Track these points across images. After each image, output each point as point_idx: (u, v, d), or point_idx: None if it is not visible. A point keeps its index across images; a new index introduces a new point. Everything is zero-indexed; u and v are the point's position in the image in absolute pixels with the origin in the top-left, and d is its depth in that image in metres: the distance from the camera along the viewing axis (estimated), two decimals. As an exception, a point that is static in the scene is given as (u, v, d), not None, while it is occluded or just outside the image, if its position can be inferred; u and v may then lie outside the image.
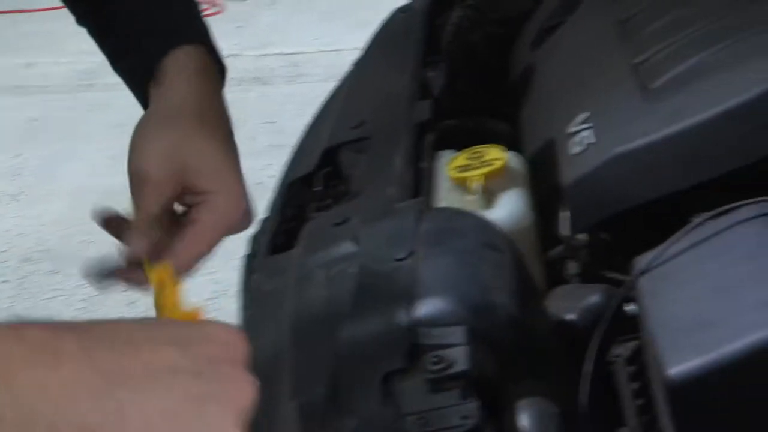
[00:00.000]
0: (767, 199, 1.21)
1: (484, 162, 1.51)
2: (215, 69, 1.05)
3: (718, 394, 1.09)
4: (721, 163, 1.30)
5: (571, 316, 1.36)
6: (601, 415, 1.27)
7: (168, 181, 0.95)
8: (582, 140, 1.45)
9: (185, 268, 0.94)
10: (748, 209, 1.24)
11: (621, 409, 1.26)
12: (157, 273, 0.89)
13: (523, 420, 1.11)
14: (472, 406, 1.04)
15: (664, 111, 1.34)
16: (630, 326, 1.28)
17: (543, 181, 1.54)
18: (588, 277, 1.48)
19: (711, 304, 1.16)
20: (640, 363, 1.27)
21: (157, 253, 0.93)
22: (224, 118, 1.04)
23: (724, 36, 1.40)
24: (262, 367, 0.62)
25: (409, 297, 1.14)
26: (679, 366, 1.09)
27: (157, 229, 0.94)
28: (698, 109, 1.30)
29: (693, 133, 1.29)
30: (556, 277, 1.49)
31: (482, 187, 1.48)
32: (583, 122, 1.47)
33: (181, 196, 0.98)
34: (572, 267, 1.49)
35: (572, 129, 1.49)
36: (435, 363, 1.06)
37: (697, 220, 1.30)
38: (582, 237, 1.45)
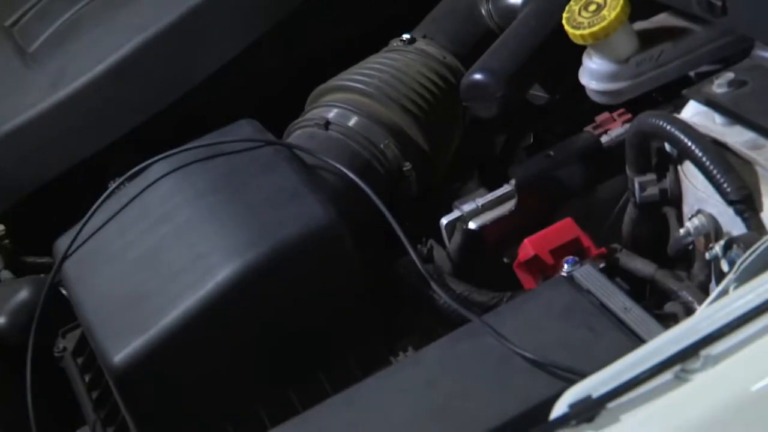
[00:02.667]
0: (171, 153, 1.15)
1: None
2: None
3: (171, 368, 1.02)
4: (118, 124, 1.22)
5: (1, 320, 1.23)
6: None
7: None
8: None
9: None
10: (159, 167, 1.18)
11: (80, 406, 1.16)
12: None
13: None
14: None
15: (46, 77, 1.22)
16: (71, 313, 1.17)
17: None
18: (15, 268, 1.34)
19: (142, 275, 1.09)
20: (89, 352, 1.17)
21: None
22: None
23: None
24: None
25: None
26: (121, 352, 1.01)
27: None
28: (78, 72, 1.20)
29: (79, 98, 1.19)
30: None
31: None
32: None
33: None
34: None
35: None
36: None
37: (112, 185, 1.21)
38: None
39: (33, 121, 1.22)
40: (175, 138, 1.21)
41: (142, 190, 1.16)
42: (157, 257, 1.09)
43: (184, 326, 1.00)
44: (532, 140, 1.46)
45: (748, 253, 0.75)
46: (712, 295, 0.76)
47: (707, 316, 0.67)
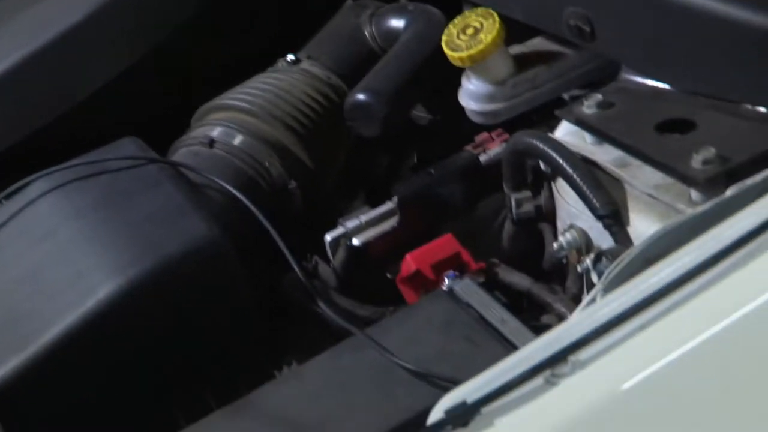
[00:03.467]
0: (52, 171, 1.14)
1: None
2: None
3: (51, 388, 1.01)
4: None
5: None
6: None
7: None
8: None
9: None
10: (39, 184, 1.16)
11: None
12: None
13: None
14: None
15: None
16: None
17: None
18: None
19: (21, 294, 1.07)
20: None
21: None
22: None
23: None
24: None
25: None
26: (-4, 371, 0.99)
27: None
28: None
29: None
30: None
31: None
32: None
33: None
34: None
35: None
36: None
37: (-11, 203, 1.19)
38: None
39: None
40: (56, 156, 1.20)
41: (21, 208, 1.14)
42: (36, 276, 1.07)
43: (65, 344, 0.99)
44: (416, 160, 1.49)
45: (614, 264, 0.79)
46: (582, 304, 0.79)
47: (575, 323, 0.70)
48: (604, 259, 0.91)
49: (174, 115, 1.33)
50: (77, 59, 1.28)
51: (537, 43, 1.20)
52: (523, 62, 1.17)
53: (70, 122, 1.28)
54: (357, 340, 0.95)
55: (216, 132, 1.27)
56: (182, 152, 1.26)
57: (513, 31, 1.14)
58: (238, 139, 1.26)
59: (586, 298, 0.80)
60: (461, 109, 1.20)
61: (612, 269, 0.79)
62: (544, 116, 1.20)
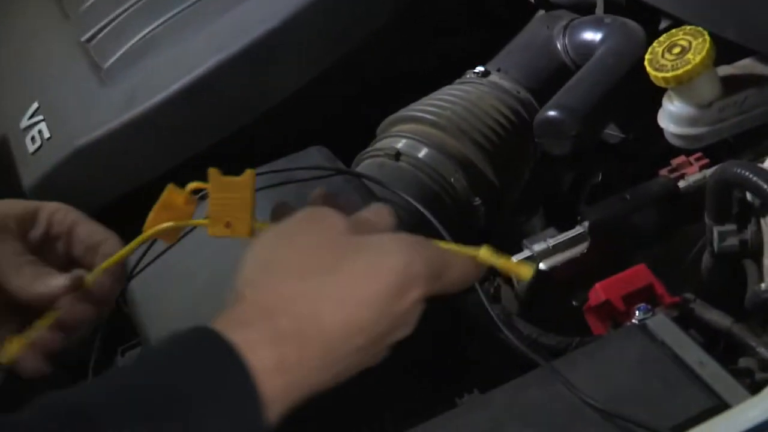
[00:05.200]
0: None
1: None
2: None
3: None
4: (190, 144, 1.21)
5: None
6: None
7: None
8: (36, 136, 1.28)
9: None
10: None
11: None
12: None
13: None
14: None
15: (120, 94, 1.22)
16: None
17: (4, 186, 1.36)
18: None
19: (206, 300, 1.08)
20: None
21: None
22: None
23: (168, 4, 1.30)
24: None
25: None
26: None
27: None
28: (153, 90, 1.20)
29: (153, 116, 1.19)
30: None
31: None
32: (34, 114, 1.30)
33: None
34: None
35: (25, 123, 1.32)
36: None
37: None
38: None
39: (106, 138, 1.22)
40: (244, 162, 1.20)
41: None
42: (223, 283, 1.07)
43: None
44: (600, 179, 1.43)
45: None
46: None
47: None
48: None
49: (360, 125, 1.32)
50: (271, 65, 1.29)
51: (747, 64, 1.13)
52: (731, 84, 1.10)
53: (259, 129, 1.29)
54: (544, 373, 0.91)
55: (402, 144, 1.25)
56: (367, 163, 1.24)
57: (721, 50, 1.08)
58: (423, 153, 1.24)
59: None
60: (655, 129, 1.14)
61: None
62: (743, 141, 1.13)
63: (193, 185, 0.78)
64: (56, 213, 0.82)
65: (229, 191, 0.75)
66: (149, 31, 1.30)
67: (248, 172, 0.76)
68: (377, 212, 0.75)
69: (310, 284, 0.64)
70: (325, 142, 1.23)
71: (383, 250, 0.67)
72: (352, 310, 0.64)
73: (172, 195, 0.78)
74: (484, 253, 0.77)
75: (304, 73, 1.29)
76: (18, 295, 0.75)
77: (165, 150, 1.24)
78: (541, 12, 1.44)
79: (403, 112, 1.30)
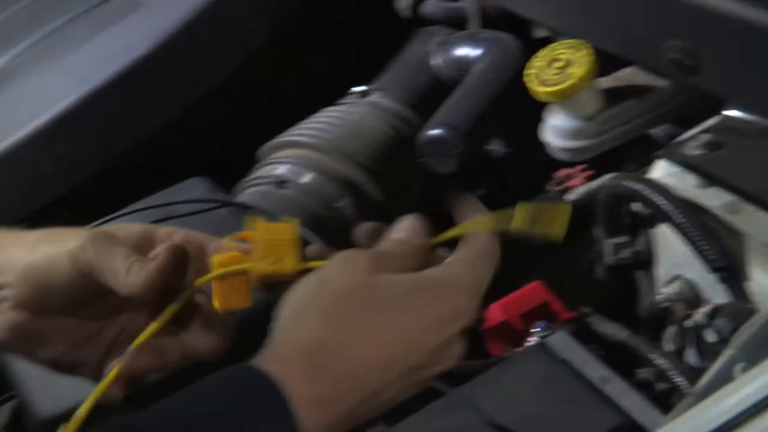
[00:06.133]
0: (118, 215, 1.09)
1: None
2: None
3: None
4: (58, 182, 1.16)
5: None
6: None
7: None
8: None
9: None
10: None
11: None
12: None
13: None
14: None
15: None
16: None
17: None
18: None
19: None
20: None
21: None
22: None
23: (23, 32, 1.23)
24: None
25: None
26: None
27: None
28: (10, 128, 1.13)
29: (11, 156, 1.12)
30: None
31: None
32: None
33: None
34: None
35: None
36: None
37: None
38: None
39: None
40: (119, 195, 1.14)
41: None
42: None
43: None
44: (485, 193, 1.42)
45: (748, 327, 0.72)
46: (709, 373, 0.72)
47: (718, 401, 0.63)
48: (721, 315, 0.84)
49: (241, 150, 1.27)
50: (140, 95, 1.23)
51: (626, 75, 1.13)
52: (612, 96, 1.10)
53: (133, 159, 1.23)
54: (452, 400, 0.89)
55: (285, 170, 1.21)
56: (251, 192, 1.20)
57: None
58: (308, 178, 1.20)
59: (714, 366, 0.73)
60: (537, 142, 1.14)
61: (743, 332, 0.73)
62: (622, 150, 1.14)
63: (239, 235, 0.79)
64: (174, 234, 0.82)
65: (275, 234, 0.77)
66: (3, 64, 1.22)
67: (293, 221, 0.79)
68: (408, 227, 0.80)
69: (342, 326, 0.69)
70: (207, 170, 1.18)
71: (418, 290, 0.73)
72: (382, 347, 0.69)
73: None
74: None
75: (177, 101, 1.24)
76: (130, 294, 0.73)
77: (27, 190, 1.17)
78: (420, 29, 1.42)
79: (284, 137, 1.26)
